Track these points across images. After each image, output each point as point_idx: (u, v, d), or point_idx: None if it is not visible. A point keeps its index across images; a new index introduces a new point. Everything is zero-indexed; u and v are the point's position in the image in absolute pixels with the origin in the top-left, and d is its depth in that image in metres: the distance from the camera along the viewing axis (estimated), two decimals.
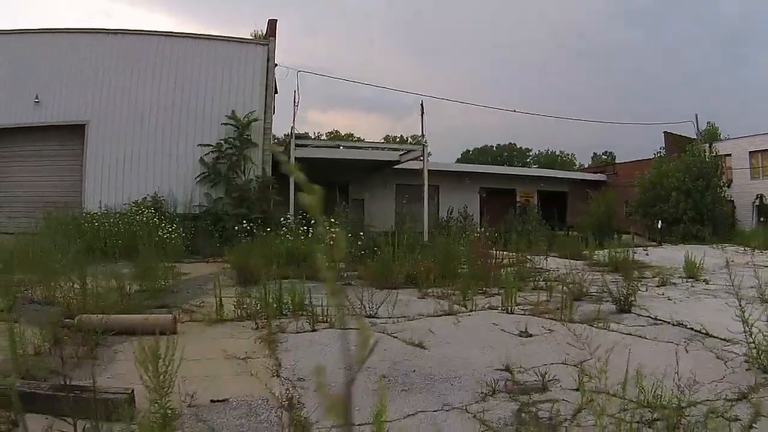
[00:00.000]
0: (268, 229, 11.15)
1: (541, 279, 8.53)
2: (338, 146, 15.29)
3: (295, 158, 16.48)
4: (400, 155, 18.41)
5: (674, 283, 8.42)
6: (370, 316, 5.16)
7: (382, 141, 18.95)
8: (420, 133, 16.96)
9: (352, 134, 66.60)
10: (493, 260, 8.92)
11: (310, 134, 65.72)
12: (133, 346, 2.64)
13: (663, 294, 7.14)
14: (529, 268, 9.54)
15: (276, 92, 17.73)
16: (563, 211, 27.88)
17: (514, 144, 71.77)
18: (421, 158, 16.63)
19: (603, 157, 72.88)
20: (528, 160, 72.68)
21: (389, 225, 23.21)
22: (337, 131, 66.16)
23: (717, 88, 78.06)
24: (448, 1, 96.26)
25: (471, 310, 5.54)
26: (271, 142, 14.13)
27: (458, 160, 72.26)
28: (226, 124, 13.49)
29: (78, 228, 11.88)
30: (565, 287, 7.02)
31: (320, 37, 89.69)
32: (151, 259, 8.20)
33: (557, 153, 73.41)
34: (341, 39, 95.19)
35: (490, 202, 25.05)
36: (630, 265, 10.05)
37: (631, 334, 4.54)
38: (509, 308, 5.47)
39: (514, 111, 19.62)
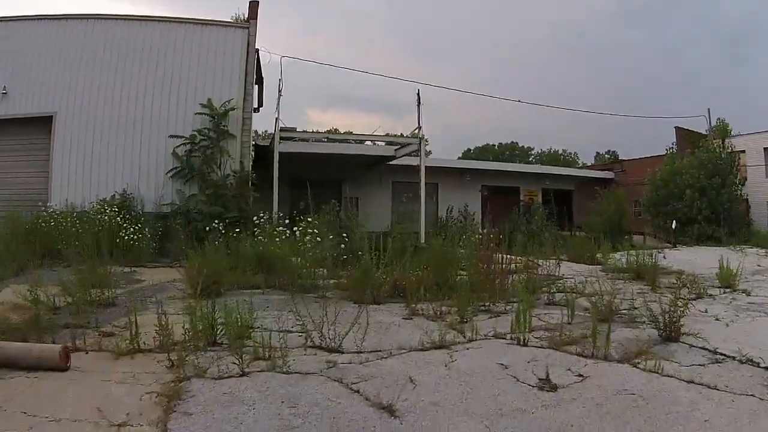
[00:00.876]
0: (243, 230, 9.86)
1: (556, 289, 7.24)
2: (326, 139, 14.00)
3: (280, 153, 15.23)
4: (396, 150, 17.11)
5: (711, 296, 7.11)
6: (330, 350, 3.88)
7: (374, 134, 17.50)
8: (417, 126, 15.63)
9: (351, 132, 65.40)
10: (498, 266, 7.58)
11: (308, 132, 64.51)
12: None
13: (706, 311, 5.82)
14: (540, 275, 8.22)
15: (260, 82, 16.44)
16: (569, 210, 26.55)
17: (516, 143, 70.42)
18: (418, 153, 15.32)
19: (606, 156, 71.55)
20: (530, 159, 71.27)
21: (385, 225, 21.93)
22: (336, 129, 64.80)
23: (717, 87, 76.67)
24: (448, 1, 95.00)
25: (470, 339, 4.24)
26: (251, 133, 12.84)
27: (459, 159, 71.25)
28: (200, 113, 12.19)
29: (34, 229, 10.66)
30: (589, 302, 5.73)
31: (320, 36, 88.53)
32: (99, 264, 7.00)
33: (560, 152, 71.94)
34: (341, 39, 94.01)
35: (492, 201, 23.74)
36: (655, 272, 8.76)
37: (693, 382, 3.24)
38: (522, 338, 4.15)
39: (519, 101, 18.41)
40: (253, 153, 17.15)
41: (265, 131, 64.55)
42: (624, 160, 26.73)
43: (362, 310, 4.35)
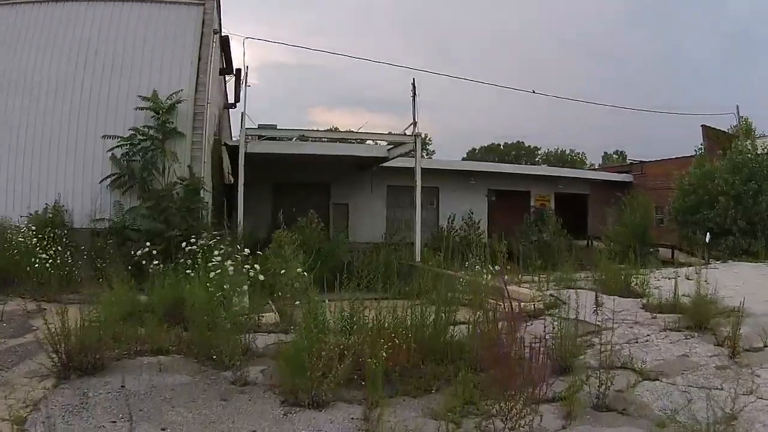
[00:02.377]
0: (185, 255, 7.63)
1: (600, 361, 4.93)
2: (303, 137, 11.73)
3: (255, 154, 13.04)
4: (389, 149, 14.86)
5: None
6: None
7: (362, 132, 15.15)
8: (411, 121, 13.38)
9: (337, 129, 62.94)
10: (513, 312, 5.24)
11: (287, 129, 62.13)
12: None
13: None
14: (569, 319, 5.89)
15: (231, 72, 14.25)
16: (583, 216, 24.20)
17: (522, 142, 67.88)
18: (413, 153, 13.10)
19: (614, 156, 68.88)
20: (537, 159, 68.76)
21: (379, 234, 19.70)
22: (336, 128, 62.54)
23: (727, 85, 73.73)
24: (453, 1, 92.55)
25: None
26: (207, 131, 10.62)
27: (463, 159, 68.73)
28: (142, 108, 9.98)
29: None
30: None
31: (324, 36, 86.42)
32: None
33: (567, 152, 69.34)
34: (345, 38, 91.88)
35: (499, 207, 21.44)
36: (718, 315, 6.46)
37: None
38: None
39: (533, 92, 16.16)
40: (227, 157, 14.95)
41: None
42: (644, 162, 24.32)
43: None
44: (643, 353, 5.18)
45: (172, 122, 10.01)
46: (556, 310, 6.76)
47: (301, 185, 18.09)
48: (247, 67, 13.33)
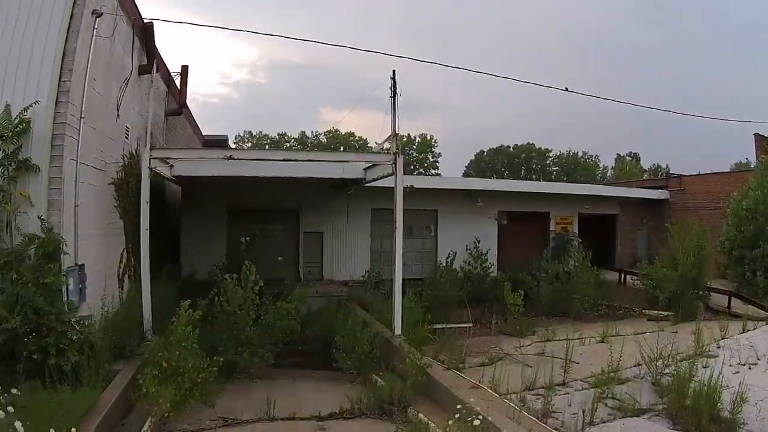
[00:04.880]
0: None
1: None
2: (228, 157, 8.18)
3: (178, 177, 9.55)
4: (365, 169, 11.23)
5: None
6: None
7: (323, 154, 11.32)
8: (391, 133, 9.74)
9: (353, 133, 59.50)
10: None
11: (315, 132, 58.43)
12: None
13: None
14: None
15: (155, 70, 10.69)
16: (611, 240, 20.46)
17: (533, 144, 63.89)
18: (393, 172, 9.53)
19: (627, 158, 64.86)
20: (548, 162, 64.74)
21: (361, 270, 16.06)
22: (336, 130, 58.99)
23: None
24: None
25: None
26: (77, 159, 7.04)
27: (471, 162, 64.99)
28: None
29: None
30: None
31: (328, 34, 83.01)
32: None
33: (579, 155, 65.28)
34: (347, 38, 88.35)
35: (512, 232, 17.74)
36: None
37: None
38: None
39: (566, 89, 12.56)
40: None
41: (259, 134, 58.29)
42: (683, 176, 20.49)
43: None
44: None
45: (21, 152, 6.46)
46: None
47: (264, 210, 14.53)
48: (155, 64, 9.80)
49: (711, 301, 14.24)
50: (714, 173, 20.35)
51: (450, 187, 16.74)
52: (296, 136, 57.51)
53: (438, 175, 61.53)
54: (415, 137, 61.37)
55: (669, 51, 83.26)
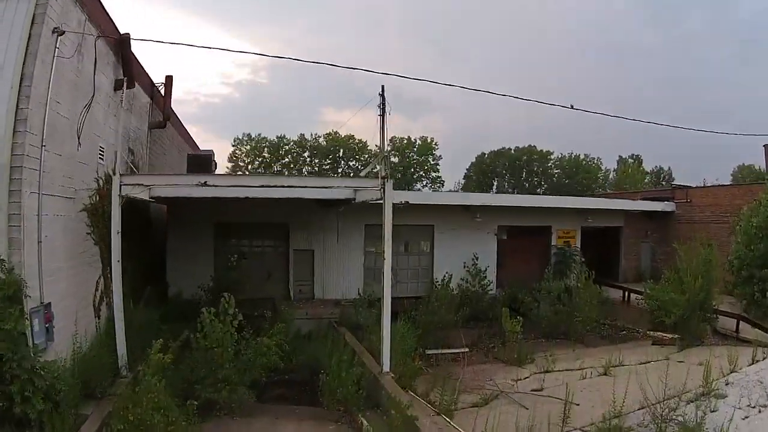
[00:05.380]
0: None
1: None
2: (203, 184, 7.63)
3: (158, 198, 9.03)
4: (356, 190, 10.63)
5: None
6: None
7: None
8: (380, 153, 9.15)
9: (353, 136, 58.79)
10: None
11: (314, 135, 57.75)
12: None
13: None
14: None
15: (130, 85, 10.15)
16: (615, 253, 19.83)
17: (534, 146, 63.08)
18: (381, 197, 8.97)
19: (630, 161, 64.04)
20: (549, 164, 63.94)
21: (354, 288, 15.47)
22: (336, 132, 58.27)
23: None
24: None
25: None
26: (39, 191, 6.49)
27: (472, 165, 64.32)
28: None
29: None
30: None
31: (335, 36, 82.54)
32: None
33: (581, 156, 64.47)
34: (349, 37, 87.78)
35: (512, 247, 17.16)
36: None
37: None
38: None
39: (571, 107, 11.97)
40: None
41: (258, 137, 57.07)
42: (690, 188, 19.85)
43: None
44: None
45: None
46: None
47: (252, 226, 13.98)
48: (125, 77, 9.23)
49: (718, 324, 13.63)
50: (722, 185, 19.75)
51: (446, 203, 16.14)
52: (295, 138, 56.77)
53: (439, 177, 61.13)
54: (415, 140, 60.68)
55: (670, 51, 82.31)
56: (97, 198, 8.96)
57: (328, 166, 56.71)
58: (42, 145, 6.57)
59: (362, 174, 9.69)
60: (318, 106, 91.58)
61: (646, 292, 14.60)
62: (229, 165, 55.29)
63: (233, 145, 55.95)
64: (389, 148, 59.10)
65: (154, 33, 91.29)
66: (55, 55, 6.73)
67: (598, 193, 35.40)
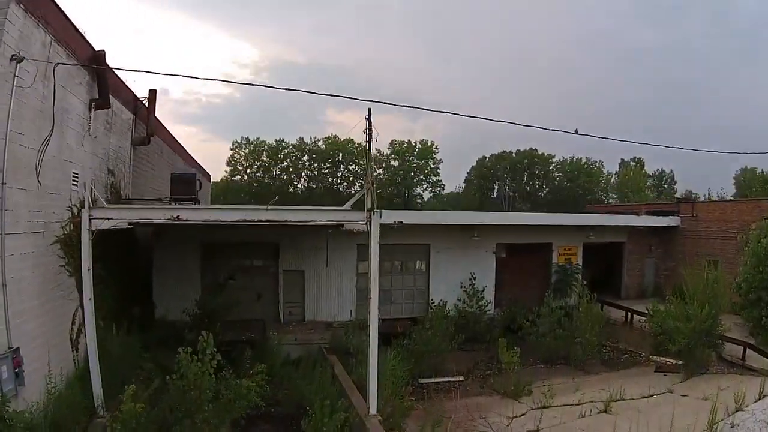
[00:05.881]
0: None
1: None
2: (175, 218, 7.19)
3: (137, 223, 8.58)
4: (344, 219, 10.11)
5: None
6: None
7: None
8: (368, 182, 8.65)
9: (352, 140, 58.20)
10: None
11: (314, 138, 57.23)
12: None
13: None
14: None
15: (105, 106, 9.68)
16: (617, 270, 19.29)
17: (535, 149, 62.45)
18: (367, 228, 8.49)
19: (631, 164, 63.32)
20: (551, 168, 63.29)
21: (347, 310, 15.00)
22: (335, 136, 57.69)
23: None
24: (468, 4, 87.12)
25: None
26: (3, 232, 6.05)
27: (473, 169, 63.49)
28: None
29: None
30: None
31: (336, 37, 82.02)
32: None
33: (583, 160, 63.80)
34: (352, 37, 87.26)
35: (511, 266, 16.64)
36: None
37: None
38: None
39: (575, 132, 11.43)
40: None
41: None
42: (697, 202, 19.28)
43: None
44: None
45: None
46: None
47: (241, 245, 13.51)
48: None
49: (724, 350, 13.10)
50: (729, 200, 19.19)
51: (442, 223, 15.63)
52: (294, 142, 56.09)
53: (439, 181, 60.47)
54: (415, 143, 60.10)
55: (672, 52, 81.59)
56: (71, 227, 8.49)
57: (327, 170, 56.15)
58: (2, 183, 6.10)
59: (348, 205, 9.17)
60: (319, 106, 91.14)
61: (649, 314, 14.10)
62: (228, 169, 54.82)
63: (231, 149, 55.43)
64: (389, 152, 58.81)
65: (154, 33, 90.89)
66: (14, 84, 6.26)
67: (599, 207, 34.63)
